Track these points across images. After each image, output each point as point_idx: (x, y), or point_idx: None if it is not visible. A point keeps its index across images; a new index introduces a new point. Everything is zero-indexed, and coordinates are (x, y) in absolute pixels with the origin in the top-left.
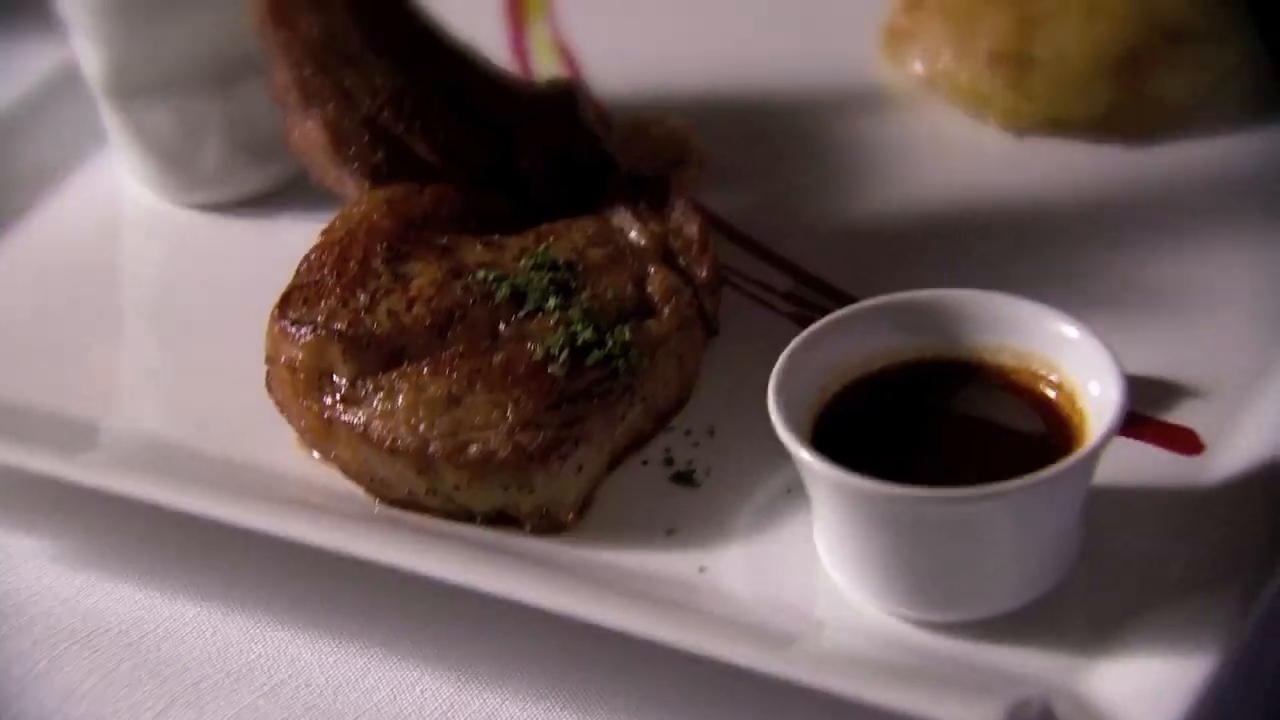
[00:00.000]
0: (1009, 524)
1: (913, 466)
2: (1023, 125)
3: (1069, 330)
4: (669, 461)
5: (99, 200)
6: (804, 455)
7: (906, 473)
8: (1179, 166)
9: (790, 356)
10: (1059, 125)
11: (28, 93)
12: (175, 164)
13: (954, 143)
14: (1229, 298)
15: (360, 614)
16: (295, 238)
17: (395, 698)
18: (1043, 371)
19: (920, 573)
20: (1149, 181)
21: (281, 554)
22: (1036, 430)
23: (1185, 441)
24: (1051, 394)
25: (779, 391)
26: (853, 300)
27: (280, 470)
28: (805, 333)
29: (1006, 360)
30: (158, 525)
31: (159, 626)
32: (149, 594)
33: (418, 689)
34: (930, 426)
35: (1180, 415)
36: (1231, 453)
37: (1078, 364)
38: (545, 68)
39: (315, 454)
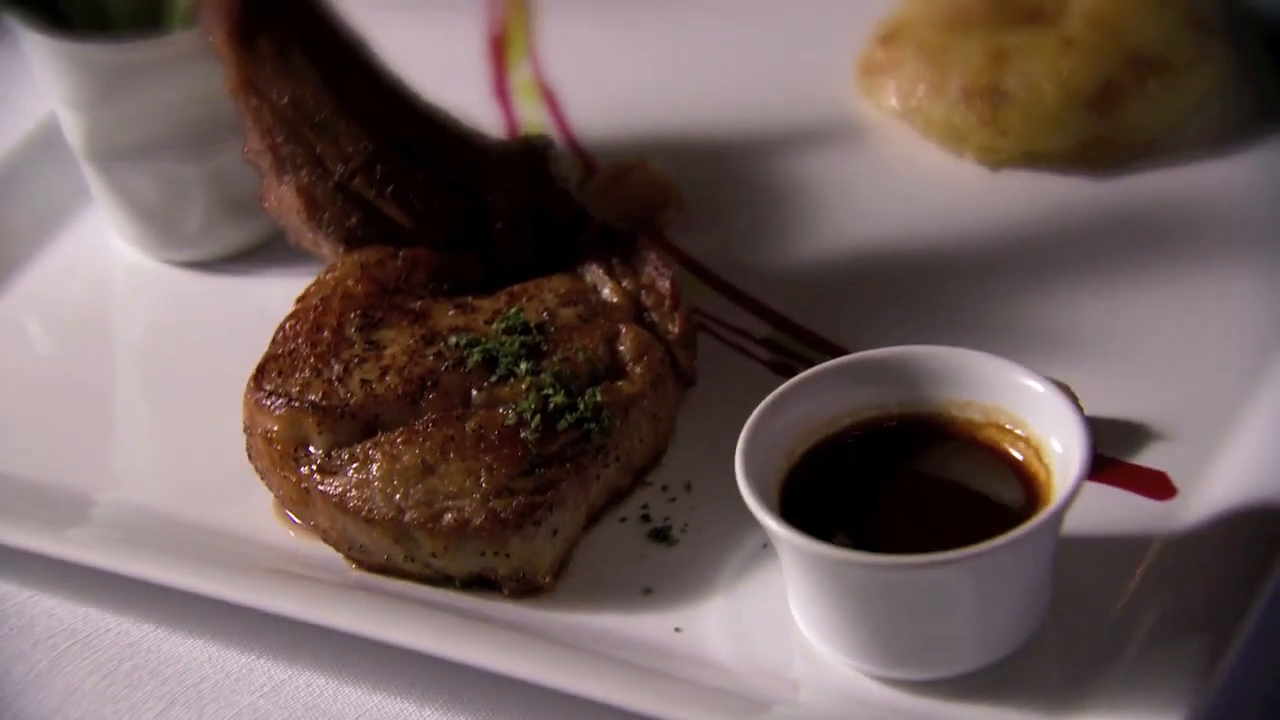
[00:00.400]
0: (973, 587)
1: (882, 527)
2: (998, 159)
3: (1034, 385)
4: (646, 518)
5: (87, 256)
6: (770, 523)
7: (876, 533)
8: (1153, 199)
9: (756, 422)
10: (1034, 158)
11: (12, 150)
12: (158, 223)
13: (930, 177)
14: (1203, 337)
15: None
16: (279, 293)
17: (395, 697)
18: (1010, 426)
19: (889, 634)
20: (1123, 215)
21: None
22: (1005, 487)
23: (1157, 486)
24: (1019, 449)
25: (746, 458)
26: (830, 344)
27: (262, 535)
28: (770, 397)
29: (974, 415)
30: None
31: (159, 626)
32: (149, 594)
33: (418, 689)
34: (898, 485)
35: (1152, 459)
36: (1204, 497)
37: (1043, 419)
38: (527, 108)
39: (295, 519)
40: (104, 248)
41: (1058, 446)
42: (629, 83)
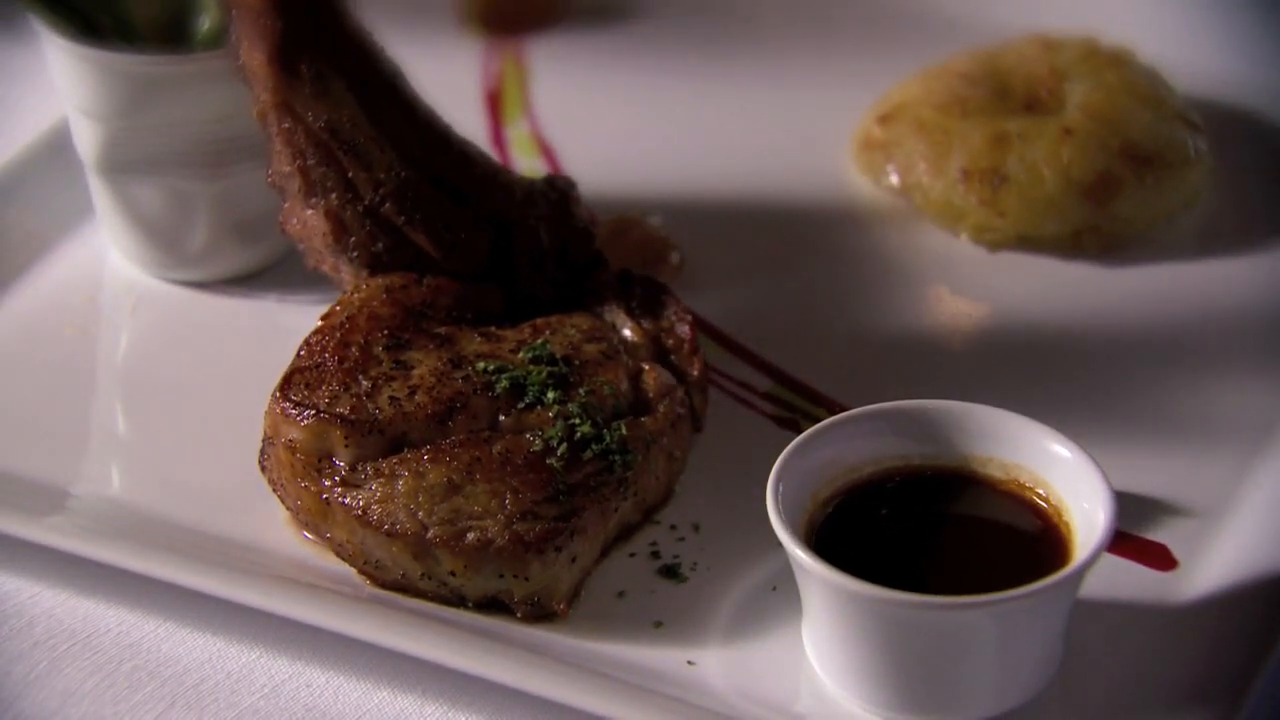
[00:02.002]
0: (996, 634)
1: (903, 572)
2: (994, 240)
3: (1060, 448)
4: (655, 554)
5: (85, 272)
6: (803, 558)
7: (896, 577)
8: (1149, 286)
9: (785, 461)
10: (1028, 242)
11: (13, 161)
12: (162, 241)
13: (927, 253)
14: (1198, 416)
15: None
16: (277, 315)
17: (395, 698)
18: (1030, 484)
19: (908, 675)
20: (1118, 300)
21: None
22: (1024, 543)
23: (1159, 557)
24: (1039, 507)
25: (776, 494)
26: (831, 401)
27: (270, 547)
28: (799, 440)
29: (994, 472)
30: None
31: (159, 627)
32: (150, 595)
33: (418, 688)
34: (919, 534)
35: (1153, 531)
36: (1204, 570)
37: (1067, 481)
38: (525, 162)
39: (306, 534)
40: (101, 263)
41: (1081, 506)
42: (628, 151)
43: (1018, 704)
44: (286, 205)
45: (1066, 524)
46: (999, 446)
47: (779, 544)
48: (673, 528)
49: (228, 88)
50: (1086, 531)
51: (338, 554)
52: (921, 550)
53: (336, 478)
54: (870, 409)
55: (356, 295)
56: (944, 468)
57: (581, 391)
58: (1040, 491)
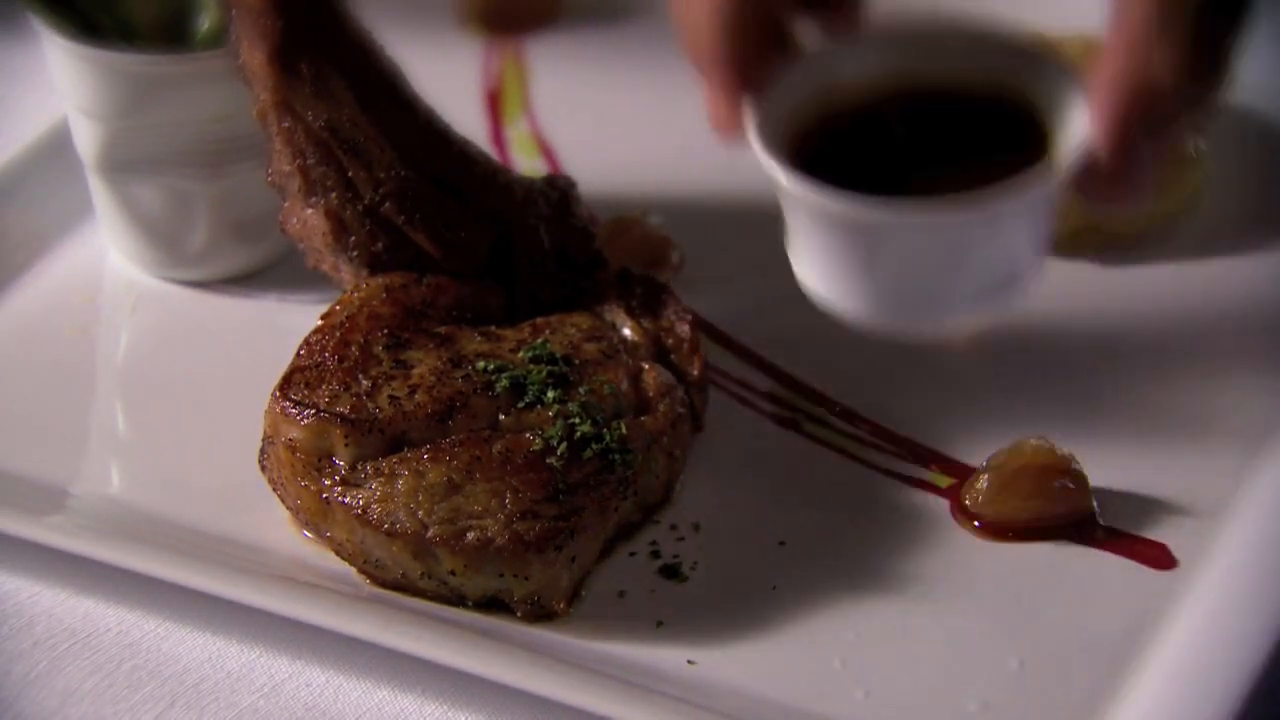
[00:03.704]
0: (981, 234)
1: (886, 186)
2: None
3: (1038, 56)
4: (655, 554)
5: (85, 272)
6: (784, 181)
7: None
8: (1146, 286)
9: (759, 102)
10: None
11: (13, 161)
12: (161, 241)
13: None
14: (1198, 416)
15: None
16: (278, 315)
17: (395, 698)
18: (1014, 97)
19: (889, 283)
20: (1118, 300)
21: None
22: (1007, 149)
23: (1158, 557)
24: (1020, 115)
25: (757, 124)
26: (832, 401)
27: (270, 547)
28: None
29: (978, 81)
30: None
31: (159, 626)
32: (150, 594)
33: (418, 688)
34: (904, 150)
35: (1153, 531)
36: (1204, 570)
37: (1047, 89)
38: (524, 162)
39: (306, 534)
40: (101, 263)
41: (1061, 116)
42: (628, 151)
43: (998, 314)
44: (286, 205)
45: (1048, 133)
46: (976, 58)
47: (779, 543)
48: (673, 527)
49: (228, 88)
50: (1066, 139)
51: (338, 553)
52: (907, 167)
53: (336, 477)
54: (853, 36)
55: (356, 295)
56: (931, 87)
57: (581, 391)
58: (1022, 101)
